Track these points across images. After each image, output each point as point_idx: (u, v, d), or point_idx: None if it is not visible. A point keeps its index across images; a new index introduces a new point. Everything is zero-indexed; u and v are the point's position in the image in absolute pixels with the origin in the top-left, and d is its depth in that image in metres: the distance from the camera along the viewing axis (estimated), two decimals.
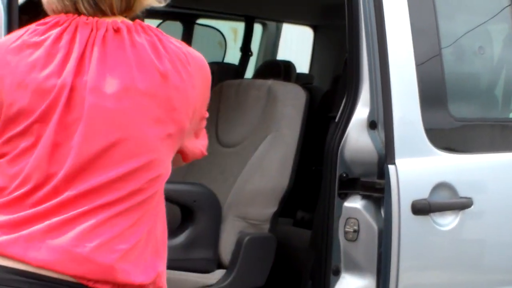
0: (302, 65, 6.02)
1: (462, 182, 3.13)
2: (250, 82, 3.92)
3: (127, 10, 1.79)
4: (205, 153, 1.94)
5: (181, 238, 3.36)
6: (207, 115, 1.90)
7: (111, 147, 1.69)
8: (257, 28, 5.99)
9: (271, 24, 6.12)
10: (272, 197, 3.55)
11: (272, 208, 3.55)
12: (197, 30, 5.83)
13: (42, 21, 1.78)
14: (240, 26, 6.36)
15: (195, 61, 1.79)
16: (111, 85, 1.69)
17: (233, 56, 6.22)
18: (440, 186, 3.07)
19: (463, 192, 3.12)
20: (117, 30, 1.74)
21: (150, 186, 1.73)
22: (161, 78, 1.72)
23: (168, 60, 1.73)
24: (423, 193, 3.01)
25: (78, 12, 1.75)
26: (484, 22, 3.58)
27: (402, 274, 2.96)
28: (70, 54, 1.71)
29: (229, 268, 3.45)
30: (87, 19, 1.75)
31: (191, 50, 1.81)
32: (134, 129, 1.70)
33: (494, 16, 3.56)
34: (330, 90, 4.75)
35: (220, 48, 6.25)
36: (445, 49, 3.27)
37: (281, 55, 6.33)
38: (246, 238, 3.44)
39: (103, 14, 1.76)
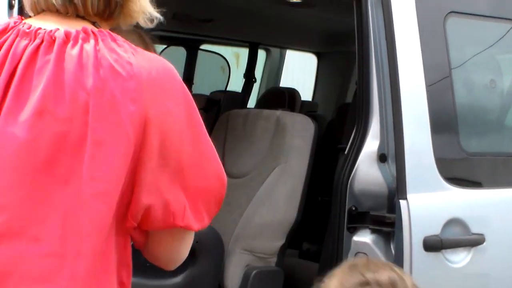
0: (304, 92, 5.97)
1: (474, 218, 3.08)
2: (258, 112, 3.86)
3: (108, 16, 1.54)
4: (204, 223, 1.55)
5: (179, 278, 3.28)
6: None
7: (22, 182, 1.39)
8: (261, 54, 5.94)
9: (275, 51, 6.09)
10: (279, 230, 3.50)
11: (279, 241, 3.50)
12: (200, 55, 5.79)
13: None
14: (242, 51, 6.32)
15: (146, 73, 1.44)
16: (25, 110, 1.41)
17: (235, 81, 6.17)
18: (452, 222, 3.02)
19: (475, 228, 3.07)
20: (54, 41, 1.47)
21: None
22: (86, 98, 1.40)
23: (99, 75, 1.42)
24: (435, 229, 2.96)
25: (48, 7, 1.51)
26: (496, 55, 3.54)
27: None
28: (0, 71, 1.45)
29: None
30: (29, 28, 1.49)
31: (145, 59, 1.48)
32: (48, 163, 1.39)
33: (506, 48, 3.52)
34: (335, 119, 4.71)
35: (223, 73, 6.20)
36: (457, 81, 3.23)
37: (283, 82, 6.29)
38: (253, 272, 3.39)
39: (77, 11, 1.51)
